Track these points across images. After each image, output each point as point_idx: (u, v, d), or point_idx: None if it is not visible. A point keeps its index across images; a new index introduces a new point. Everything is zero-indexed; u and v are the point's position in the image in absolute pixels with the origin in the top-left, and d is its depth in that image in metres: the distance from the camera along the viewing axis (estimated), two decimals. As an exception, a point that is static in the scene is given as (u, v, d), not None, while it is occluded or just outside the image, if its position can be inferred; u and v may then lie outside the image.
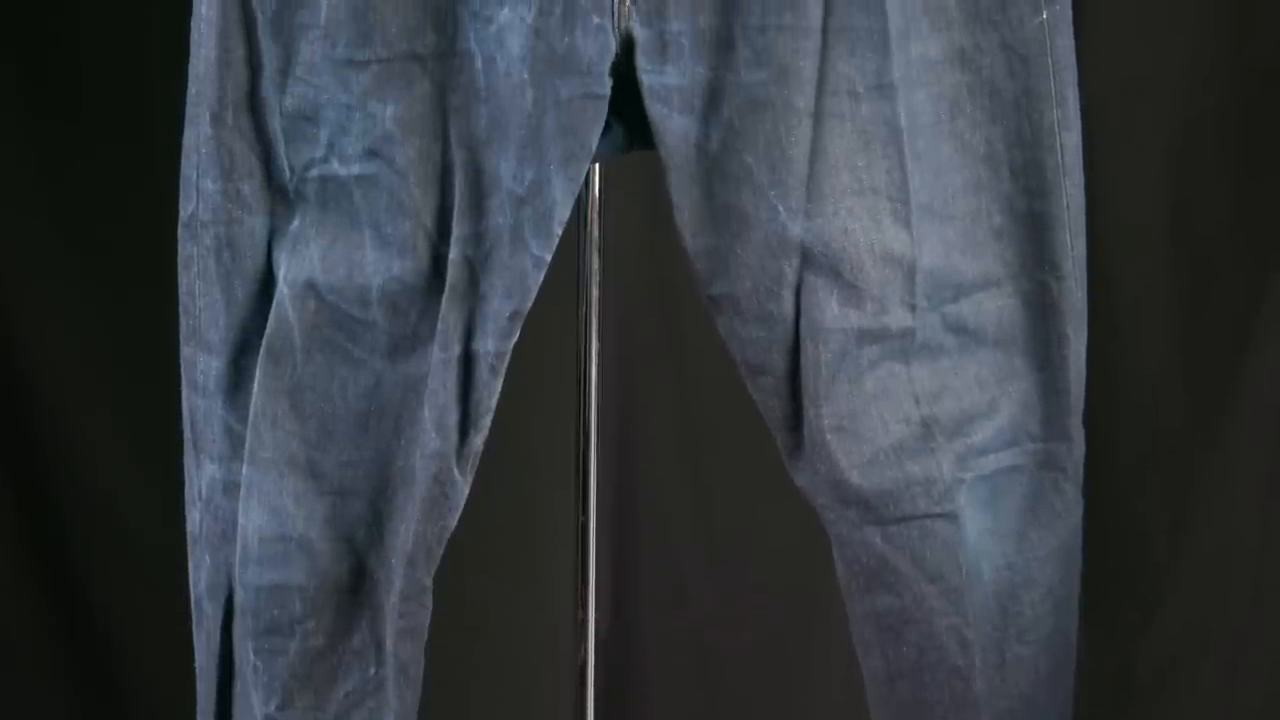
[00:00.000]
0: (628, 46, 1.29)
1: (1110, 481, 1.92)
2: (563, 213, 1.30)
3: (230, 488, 1.36)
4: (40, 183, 2.03)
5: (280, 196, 1.33)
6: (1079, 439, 1.41)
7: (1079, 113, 1.37)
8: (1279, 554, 2.06)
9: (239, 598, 1.36)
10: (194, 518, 1.39)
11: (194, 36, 1.33)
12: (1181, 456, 2.06)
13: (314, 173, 1.32)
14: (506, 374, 1.33)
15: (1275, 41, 1.97)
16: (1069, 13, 1.35)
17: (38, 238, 2.04)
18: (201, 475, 1.37)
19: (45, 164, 2.03)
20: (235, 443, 1.35)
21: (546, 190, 1.29)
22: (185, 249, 1.35)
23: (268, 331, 1.33)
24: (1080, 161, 1.37)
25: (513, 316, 1.31)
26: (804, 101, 1.29)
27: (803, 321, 1.31)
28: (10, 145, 2.02)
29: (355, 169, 1.31)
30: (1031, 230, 1.36)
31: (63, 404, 2.06)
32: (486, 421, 1.33)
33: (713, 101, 1.29)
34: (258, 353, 1.33)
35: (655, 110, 1.29)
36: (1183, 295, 2.04)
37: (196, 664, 1.40)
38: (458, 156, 1.30)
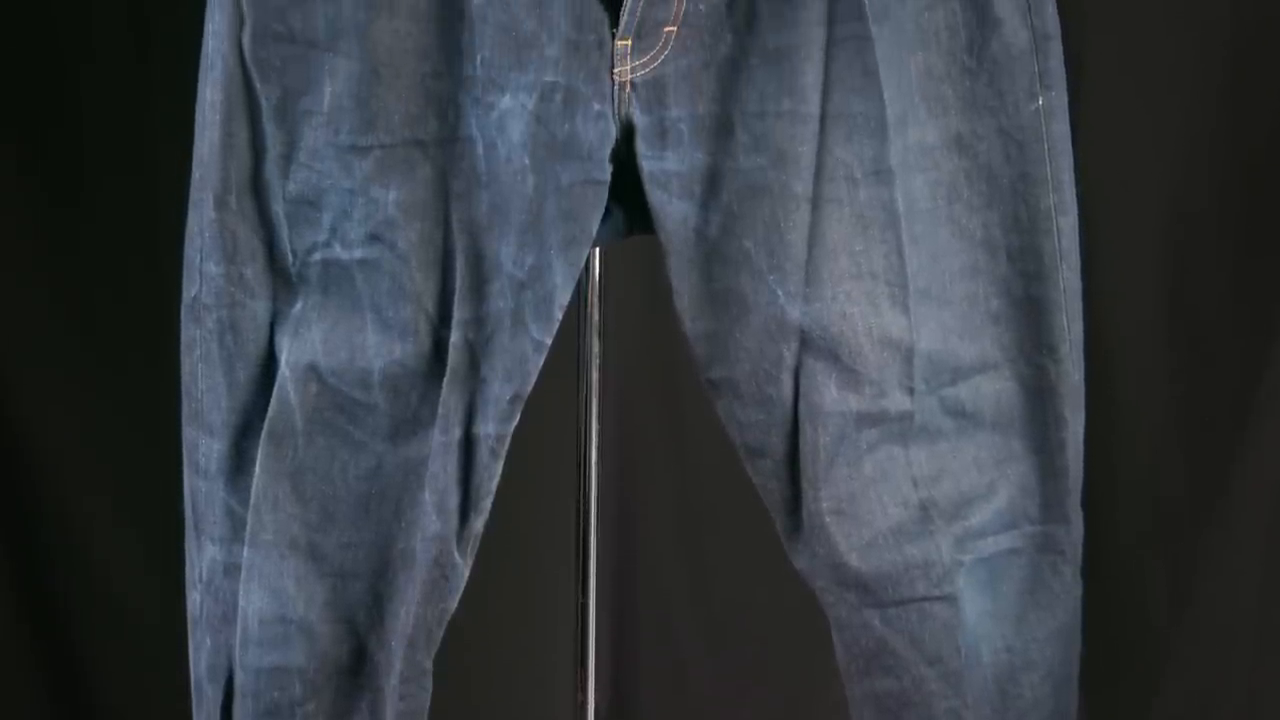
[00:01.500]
0: (628, 133, 1.30)
1: (1110, 559, 1.92)
2: (563, 297, 1.31)
3: (231, 569, 1.35)
4: (41, 265, 2.04)
5: (283, 280, 1.33)
6: (1077, 521, 1.41)
7: (1075, 197, 1.37)
8: (1279, 632, 2.06)
9: (239, 679, 1.35)
10: (194, 599, 1.38)
11: (198, 121, 1.33)
12: (1181, 534, 2.06)
13: (316, 257, 1.33)
14: (507, 456, 1.33)
15: (1270, 123, 1.99)
16: (1064, 98, 1.36)
17: (39, 321, 2.04)
18: (202, 557, 1.37)
19: (46, 246, 2.03)
20: (236, 525, 1.35)
21: (547, 275, 1.30)
22: (188, 332, 1.35)
23: (269, 414, 1.33)
24: (1077, 245, 1.38)
25: (513, 400, 1.32)
26: (802, 187, 1.30)
27: (801, 405, 1.32)
28: (12, 227, 2.02)
29: (357, 253, 1.32)
30: (1029, 314, 1.37)
31: (63, 486, 2.06)
32: (487, 504, 1.34)
33: (712, 187, 1.30)
34: (259, 435, 1.33)
35: (655, 196, 1.30)
36: (1181, 374, 2.04)
37: (196, 747, 1.40)
38: (459, 241, 1.30)
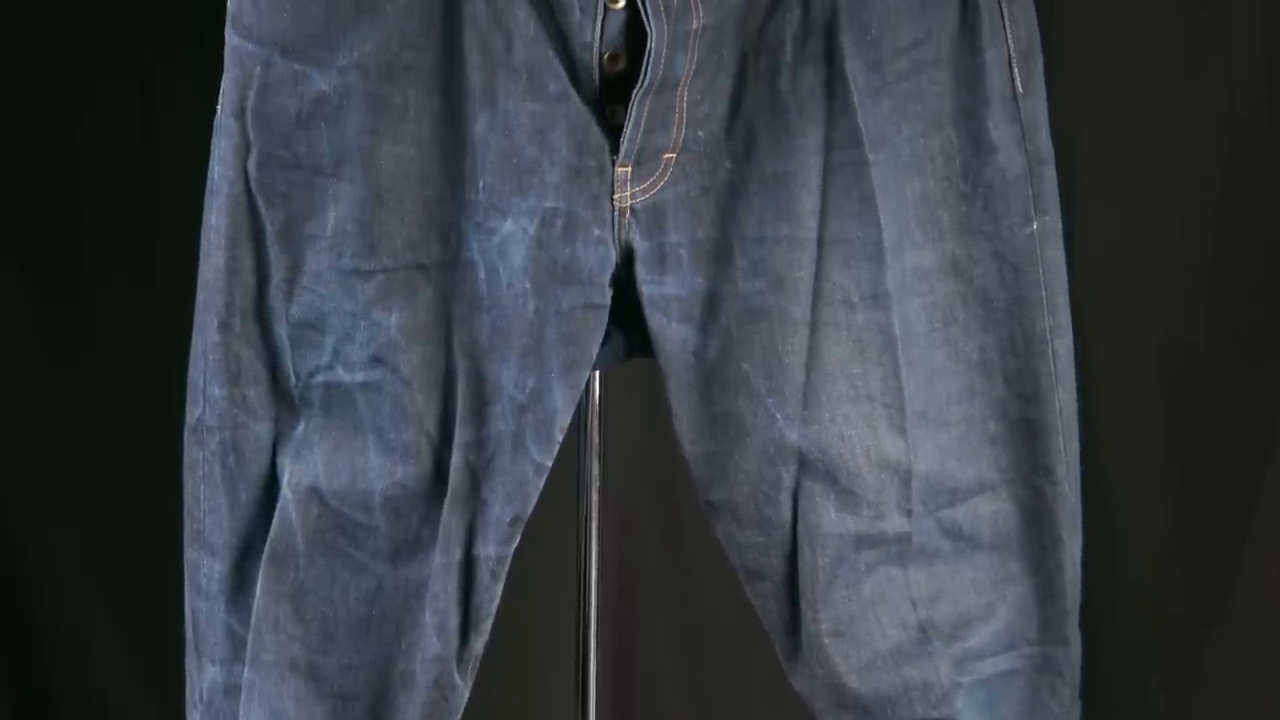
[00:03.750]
0: (628, 257, 1.31)
1: (1110, 678, 1.91)
2: (563, 419, 1.32)
3: (231, 690, 1.35)
4: (42, 385, 2.04)
5: (285, 402, 1.34)
6: (1075, 642, 1.41)
7: (1070, 319, 1.38)
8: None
9: (238, 802, 1.35)
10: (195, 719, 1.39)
11: (203, 245, 1.34)
12: (1181, 655, 2.05)
13: (319, 379, 1.34)
14: (507, 578, 1.34)
15: (1264, 245, 2.00)
16: (1058, 223, 1.37)
17: (39, 442, 2.04)
18: (203, 678, 1.37)
19: (48, 366, 2.04)
20: (237, 645, 1.35)
21: (548, 398, 1.31)
22: (191, 453, 1.36)
23: (271, 535, 1.33)
24: (1072, 367, 1.38)
25: (514, 521, 1.32)
26: (800, 311, 1.31)
27: (800, 527, 1.32)
28: (13, 347, 2.03)
29: (360, 376, 1.33)
30: (1025, 436, 1.37)
31: (62, 605, 2.05)
32: (487, 625, 1.34)
33: (711, 311, 1.31)
34: (260, 556, 1.34)
35: (654, 320, 1.31)
36: (1178, 493, 2.04)
37: None
38: (460, 364, 1.31)
